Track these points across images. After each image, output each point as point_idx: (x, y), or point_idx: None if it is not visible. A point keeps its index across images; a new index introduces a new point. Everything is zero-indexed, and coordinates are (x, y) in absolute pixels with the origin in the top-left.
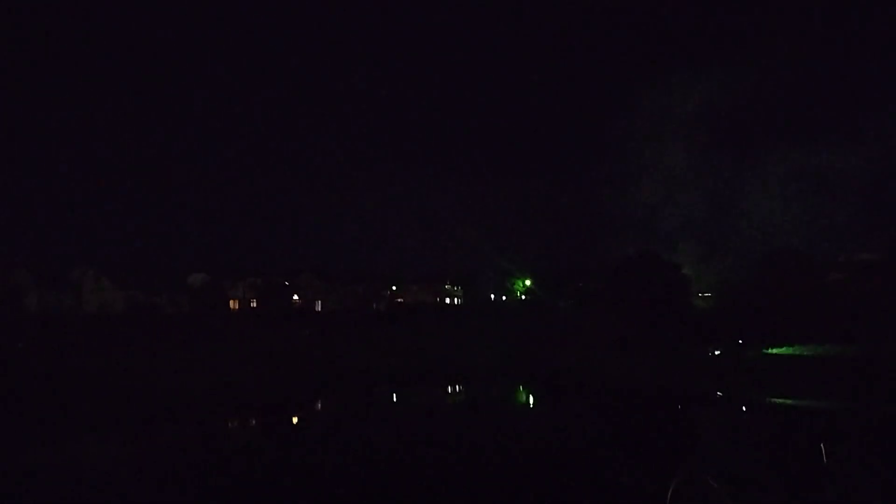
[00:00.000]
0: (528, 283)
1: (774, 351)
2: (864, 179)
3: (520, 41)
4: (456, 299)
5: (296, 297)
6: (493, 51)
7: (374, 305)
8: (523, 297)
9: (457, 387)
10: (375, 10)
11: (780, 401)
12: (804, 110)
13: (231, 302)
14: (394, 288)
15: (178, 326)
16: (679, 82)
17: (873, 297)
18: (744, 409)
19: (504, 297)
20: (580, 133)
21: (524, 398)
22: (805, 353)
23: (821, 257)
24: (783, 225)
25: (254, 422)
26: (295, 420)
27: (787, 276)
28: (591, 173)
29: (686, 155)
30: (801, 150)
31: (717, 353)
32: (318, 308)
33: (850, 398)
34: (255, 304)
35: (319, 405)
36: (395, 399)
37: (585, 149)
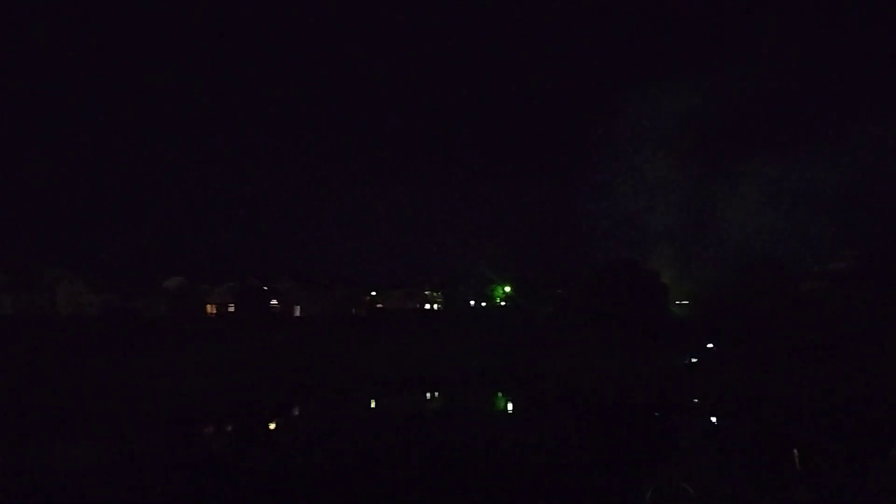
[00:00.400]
0: (507, 289)
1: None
2: (838, 190)
3: (503, 48)
4: (436, 305)
5: (274, 301)
6: (477, 58)
7: (354, 311)
8: (503, 303)
9: (436, 393)
10: (355, 16)
11: (755, 407)
12: (781, 121)
13: (208, 306)
14: (373, 293)
15: (154, 331)
16: (659, 92)
17: (847, 306)
18: (720, 416)
19: (484, 304)
20: (560, 140)
21: (503, 405)
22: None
23: (796, 267)
24: (759, 234)
25: (227, 428)
26: (270, 426)
27: (763, 284)
28: (571, 181)
29: (665, 164)
30: (777, 161)
31: (693, 360)
32: (297, 313)
33: (821, 405)
34: (232, 309)
35: (296, 412)
36: (373, 406)
37: (566, 156)
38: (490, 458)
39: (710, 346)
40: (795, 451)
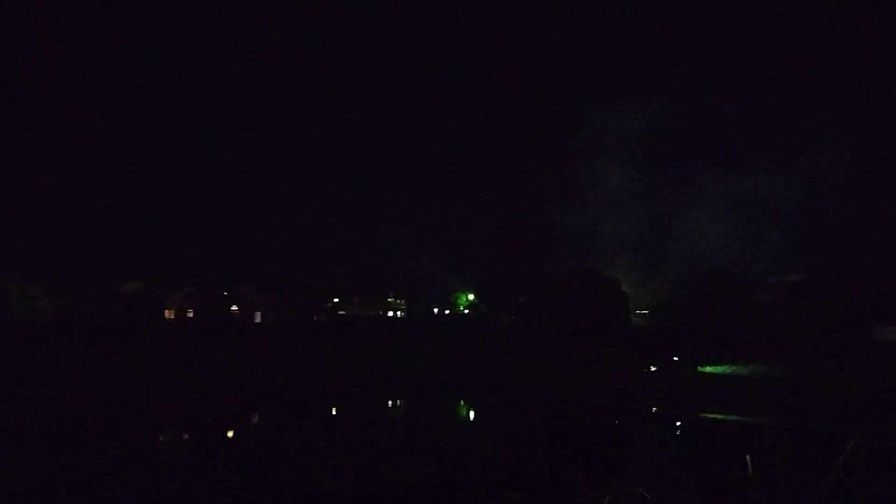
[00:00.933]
0: (471, 297)
1: (709, 369)
2: (794, 204)
3: (466, 59)
4: (399, 312)
5: (234, 307)
6: (440, 70)
7: (316, 318)
8: (466, 311)
9: (398, 402)
10: (315, 27)
11: (712, 416)
12: (739, 136)
13: (166, 312)
14: (336, 300)
15: (108, 336)
16: (619, 105)
17: (801, 318)
18: (678, 424)
19: (447, 311)
20: (524, 150)
21: (465, 412)
22: (735, 372)
23: (752, 278)
24: (717, 246)
25: (183, 436)
26: (227, 434)
27: (721, 296)
28: (535, 190)
29: (625, 175)
30: (735, 174)
31: (653, 369)
32: (257, 320)
33: (776, 414)
34: (191, 315)
35: (254, 419)
36: (333, 413)
37: (529, 165)
38: (449, 466)
39: (675, 358)
40: (748, 457)
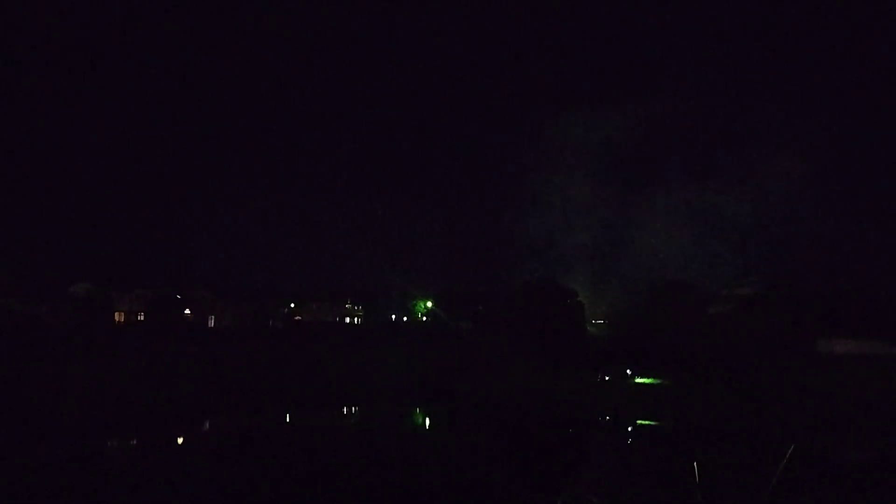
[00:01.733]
0: (429, 304)
1: (643, 380)
2: (747, 218)
3: (426, 67)
4: (356, 319)
5: (187, 311)
6: (401, 77)
7: (272, 323)
8: (424, 318)
9: (353, 409)
10: (273, 32)
11: (653, 423)
12: (694, 151)
13: (117, 314)
14: (292, 305)
15: (56, 338)
16: (579, 118)
17: (751, 330)
18: (628, 432)
19: (405, 318)
20: (484, 159)
21: (421, 420)
22: (661, 384)
23: (705, 290)
24: (672, 257)
25: (131, 442)
26: (177, 441)
27: (674, 307)
28: (495, 198)
29: (584, 186)
30: (690, 189)
31: (606, 378)
32: (211, 324)
33: (722, 423)
34: (142, 318)
35: (206, 427)
36: (287, 421)
37: (490, 174)
38: (404, 474)
39: (628, 371)
40: (695, 464)
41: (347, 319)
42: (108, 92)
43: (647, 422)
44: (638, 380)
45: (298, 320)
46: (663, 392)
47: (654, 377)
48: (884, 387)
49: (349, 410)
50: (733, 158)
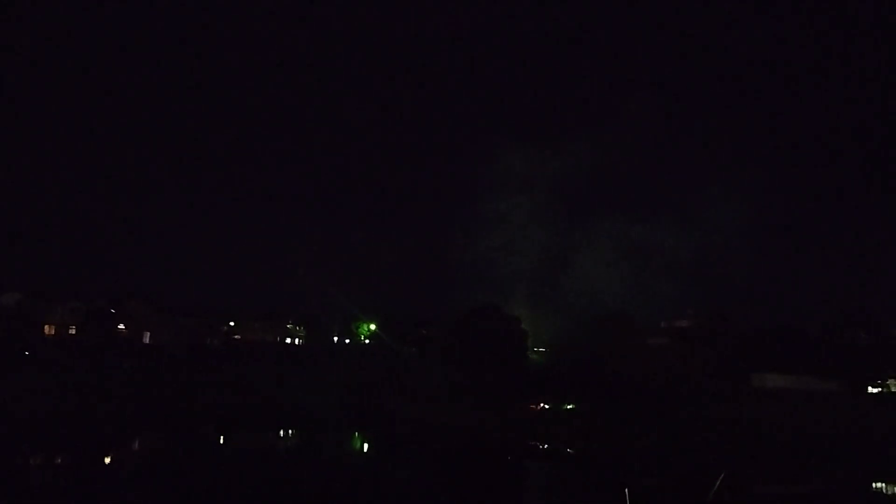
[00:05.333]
0: (372, 327)
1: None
2: (686, 254)
3: (375, 89)
4: (298, 339)
5: (121, 326)
6: (350, 99)
7: (209, 341)
8: (367, 340)
9: (289, 432)
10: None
11: (588, 451)
12: (638, 189)
13: (46, 327)
14: (231, 324)
15: None
16: (527, 148)
17: (686, 361)
18: (564, 459)
19: (348, 340)
20: (431, 184)
21: (358, 445)
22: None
23: (644, 322)
24: (613, 289)
25: (56, 460)
26: (105, 461)
27: (615, 337)
28: (440, 222)
29: (529, 215)
30: (633, 223)
31: (547, 407)
32: (146, 340)
33: (656, 450)
34: (74, 331)
35: (135, 446)
36: (220, 442)
37: (437, 199)
38: (340, 500)
39: (569, 406)
40: (626, 490)
41: (289, 340)
42: (43, 99)
43: (580, 449)
44: (572, 407)
45: (237, 339)
46: (596, 420)
47: (591, 406)
48: (814, 420)
49: (285, 434)
50: (674, 198)
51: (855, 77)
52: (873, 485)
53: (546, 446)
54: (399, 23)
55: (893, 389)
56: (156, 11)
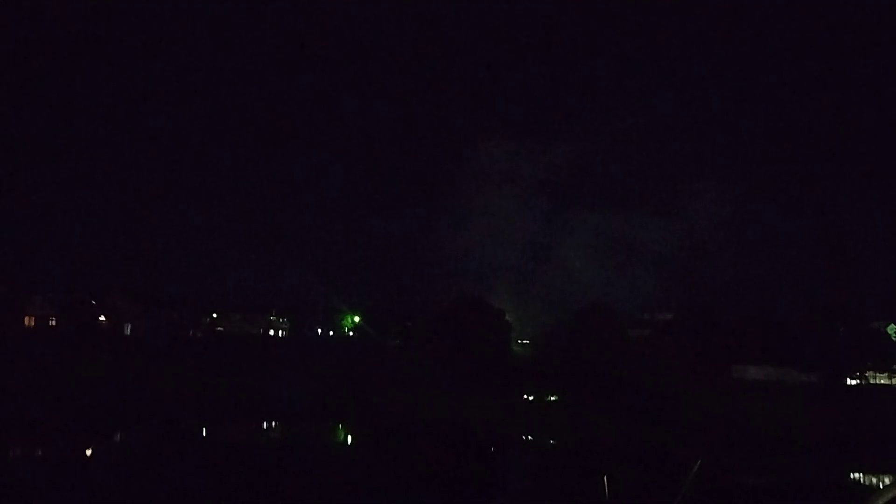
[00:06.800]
0: (356, 319)
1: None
2: (668, 247)
3: (359, 81)
4: (281, 331)
5: (102, 317)
6: (334, 92)
7: (192, 332)
8: (351, 333)
9: (273, 424)
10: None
11: (568, 441)
12: (623, 181)
13: (26, 318)
14: (214, 315)
15: None
16: (511, 142)
17: (668, 353)
18: (548, 451)
19: (332, 332)
20: (415, 175)
21: (341, 437)
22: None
23: (627, 312)
24: (596, 280)
25: (36, 453)
26: (85, 453)
27: (597, 329)
28: (424, 214)
29: (513, 207)
30: (616, 217)
31: (530, 398)
32: (128, 331)
33: (635, 442)
34: (54, 323)
35: (116, 438)
36: (203, 435)
37: (422, 190)
38: (323, 492)
39: (552, 398)
40: (605, 479)
41: (272, 332)
42: (26, 93)
43: (563, 440)
44: (555, 398)
45: (220, 331)
46: (580, 412)
47: (574, 397)
48: (794, 412)
49: (269, 425)
50: (657, 192)
51: (834, 73)
52: (851, 475)
53: (530, 438)
54: (379, 17)
55: (872, 381)
56: (135, 16)
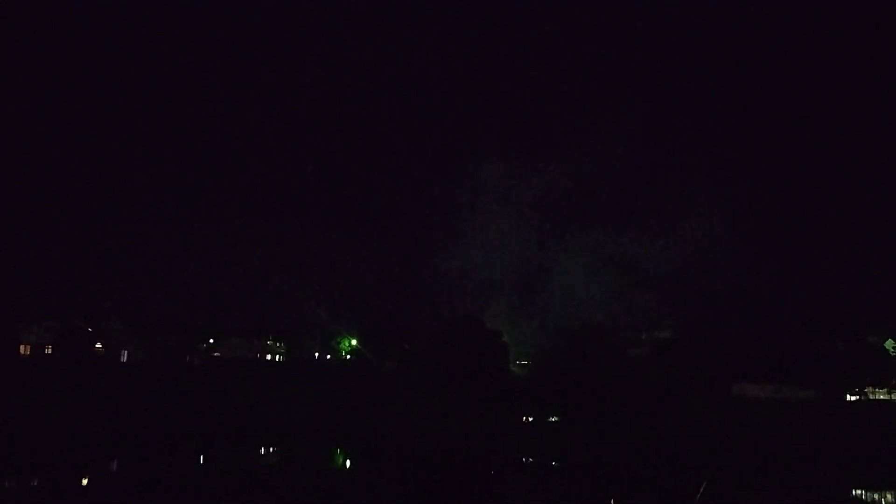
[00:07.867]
0: (353, 342)
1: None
2: (666, 265)
3: (351, 101)
4: (278, 356)
5: (99, 345)
6: (326, 111)
7: (189, 358)
8: (349, 356)
9: (272, 449)
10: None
11: (571, 463)
12: (618, 198)
13: (22, 346)
14: (211, 341)
15: None
16: (507, 161)
17: (667, 372)
18: (549, 473)
19: (329, 356)
20: (411, 196)
21: (341, 461)
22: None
23: (625, 333)
24: (594, 299)
25: (32, 482)
26: (82, 482)
27: (595, 349)
28: (420, 235)
29: (510, 227)
30: (613, 235)
31: (530, 420)
32: (124, 358)
33: (639, 460)
34: (50, 350)
35: (114, 466)
36: (201, 461)
37: (419, 212)
38: None
39: (552, 419)
40: (612, 501)
41: (269, 356)
42: (18, 112)
43: (565, 462)
44: (556, 419)
45: (217, 356)
46: (581, 432)
47: (574, 418)
48: (794, 429)
49: (268, 451)
50: (656, 210)
51: (830, 89)
52: (853, 492)
53: (531, 460)
54: (375, 40)
55: (871, 397)
56: (125, 20)
